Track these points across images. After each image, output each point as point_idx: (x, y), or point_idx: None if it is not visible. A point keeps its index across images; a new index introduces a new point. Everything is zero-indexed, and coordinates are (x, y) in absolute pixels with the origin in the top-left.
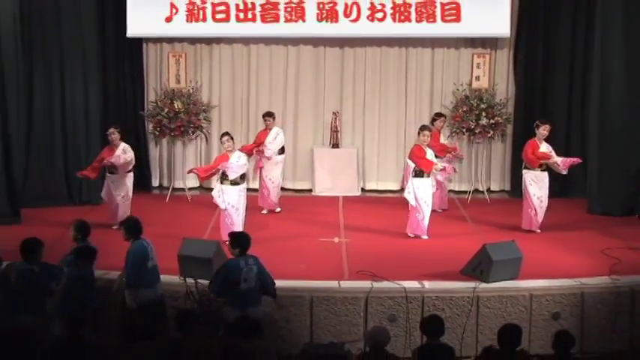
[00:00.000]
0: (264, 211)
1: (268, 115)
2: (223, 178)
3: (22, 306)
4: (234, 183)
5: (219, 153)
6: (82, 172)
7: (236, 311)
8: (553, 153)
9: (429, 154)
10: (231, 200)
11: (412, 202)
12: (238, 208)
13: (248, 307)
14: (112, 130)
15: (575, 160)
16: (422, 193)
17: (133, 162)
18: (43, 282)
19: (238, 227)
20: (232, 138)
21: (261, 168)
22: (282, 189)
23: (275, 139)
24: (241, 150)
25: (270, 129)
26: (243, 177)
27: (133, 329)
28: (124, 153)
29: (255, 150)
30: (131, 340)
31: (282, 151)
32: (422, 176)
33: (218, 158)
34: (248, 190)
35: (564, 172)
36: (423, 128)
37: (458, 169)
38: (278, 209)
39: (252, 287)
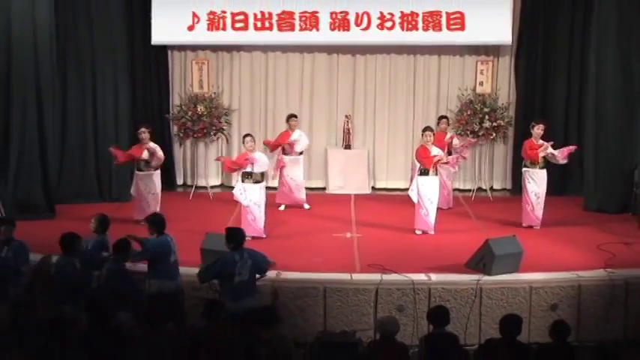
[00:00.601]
0: (282, 207)
1: (294, 116)
2: (245, 177)
3: (62, 296)
4: (255, 181)
5: (239, 153)
6: (115, 149)
7: (231, 303)
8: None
9: (434, 152)
10: (253, 197)
11: (415, 199)
12: (260, 205)
13: (242, 299)
14: (142, 129)
15: (572, 147)
16: (426, 191)
17: (162, 159)
18: (82, 274)
19: (260, 222)
20: (254, 139)
21: (282, 167)
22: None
23: (301, 137)
24: (265, 143)
25: (294, 130)
26: (262, 175)
27: (155, 316)
28: (156, 150)
29: (288, 143)
30: (154, 325)
31: (301, 152)
32: (427, 174)
33: (240, 157)
34: (266, 188)
35: (563, 162)
36: (425, 129)
37: (463, 169)
38: (307, 206)
39: (246, 280)
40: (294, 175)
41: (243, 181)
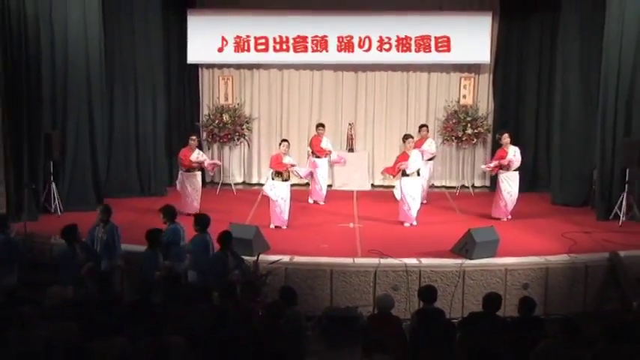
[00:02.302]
0: (311, 201)
1: (322, 125)
2: (275, 175)
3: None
4: (284, 180)
5: (260, 156)
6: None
7: (201, 276)
8: (509, 156)
9: (413, 157)
10: (280, 193)
11: (398, 196)
12: (286, 200)
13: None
14: (193, 137)
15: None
16: (408, 189)
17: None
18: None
19: (285, 215)
20: (289, 144)
21: (316, 168)
22: (309, 185)
23: (328, 143)
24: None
25: (322, 137)
26: (289, 175)
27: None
28: (199, 155)
29: (338, 157)
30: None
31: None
32: (408, 175)
33: (273, 157)
34: (293, 185)
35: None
36: (406, 137)
37: (449, 169)
38: (322, 202)
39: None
40: (324, 173)
41: (273, 179)
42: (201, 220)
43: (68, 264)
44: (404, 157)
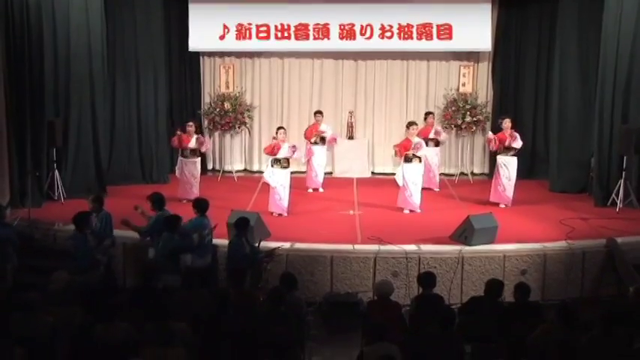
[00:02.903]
0: (310, 190)
1: (319, 112)
2: (274, 162)
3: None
4: (283, 167)
5: (260, 144)
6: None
7: (198, 260)
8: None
9: (415, 142)
10: (280, 180)
11: (400, 182)
12: (285, 187)
13: (206, 256)
14: (190, 123)
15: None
16: (410, 175)
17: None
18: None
19: (285, 202)
20: (286, 132)
21: (312, 155)
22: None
23: (328, 129)
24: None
25: (320, 124)
26: (288, 162)
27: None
28: (195, 142)
29: (332, 139)
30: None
31: (323, 142)
32: (411, 162)
33: (271, 146)
34: (294, 172)
35: (516, 144)
36: (410, 124)
37: (448, 157)
38: (321, 189)
39: (210, 239)
40: (321, 161)
41: (272, 166)
42: (200, 204)
43: (80, 251)
44: (407, 143)
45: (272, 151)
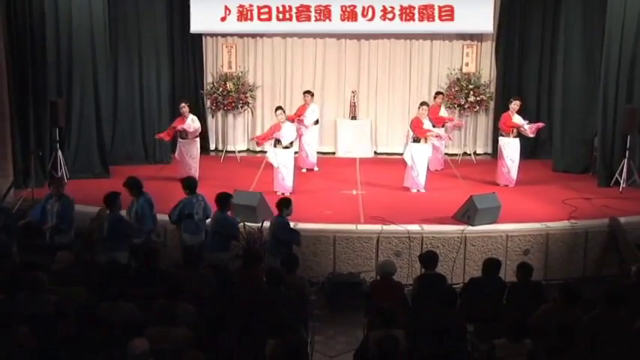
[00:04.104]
0: (304, 170)
1: (308, 92)
2: (277, 143)
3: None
4: (285, 147)
5: (263, 124)
6: (159, 134)
7: (191, 237)
8: (525, 123)
9: (426, 124)
10: (282, 160)
11: (409, 162)
12: (287, 167)
13: (198, 234)
14: (182, 104)
15: (540, 124)
16: (418, 156)
17: (200, 129)
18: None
19: (289, 181)
20: (285, 111)
21: (301, 135)
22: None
23: (313, 112)
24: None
25: (309, 104)
26: (292, 143)
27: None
28: (192, 122)
29: (296, 119)
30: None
31: (317, 122)
32: (419, 142)
33: (272, 127)
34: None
35: (532, 136)
36: (422, 104)
37: (451, 136)
38: (316, 168)
39: (201, 218)
40: (310, 141)
41: (275, 147)
42: (189, 183)
43: (118, 231)
44: (417, 122)
45: (271, 133)
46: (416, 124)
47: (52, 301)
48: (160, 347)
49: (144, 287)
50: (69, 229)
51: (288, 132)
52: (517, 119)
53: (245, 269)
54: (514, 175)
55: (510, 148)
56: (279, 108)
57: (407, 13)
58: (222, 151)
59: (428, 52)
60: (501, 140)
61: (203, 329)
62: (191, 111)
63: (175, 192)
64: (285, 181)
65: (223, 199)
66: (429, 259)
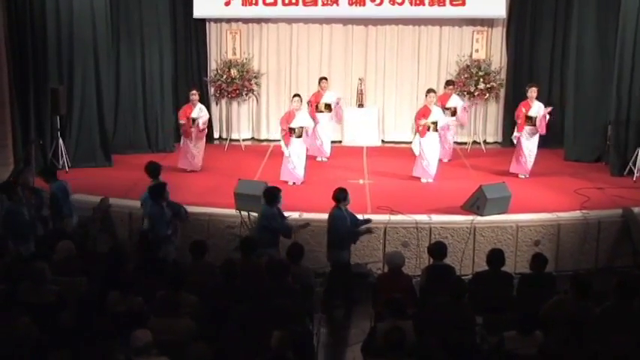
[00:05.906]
0: (319, 159)
1: (325, 79)
2: (290, 131)
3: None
4: (298, 136)
5: (268, 112)
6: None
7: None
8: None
9: (435, 112)
10: (294, 149)
11: (416, 152)
12: (299, 156)
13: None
14: (194, 91)
15: (545, 115)
16: (427, 146)
17: (207, 119)
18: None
19: (299, 170)
20: (301, 99)
21: (316, 124)
22: None
23: (331, 97)
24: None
25: (325, 91)
26: (303, 131)
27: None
28: (200, 111)
29: (336, 106)
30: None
31: (330, 109)
32: (429, 130)
33: (285, 115)
34: None
35: (543, 133)
36: (429, 91)
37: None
38: (324, 158)
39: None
40: (326, 130)
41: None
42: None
43: (158, 222)
44: (425, 110)
45: (286, 125)
46: (422, 114)
47: (54, 291)
48: (163, 338)
49: (146, 278)
50: (70, 215)
51: (301, 119)
52: (536, 107)
53: (246, 260)
54: (530, 166)
55: (530, 138)
56: (296, 95)
57: None
58: (226, 139)
59: (437, 38)
60: (524, 131)
61: (206, 320)
62: (200, 99)
63: (178, 182)
64: (295, 170)
65: (271, 194)
66: (437, 249)
